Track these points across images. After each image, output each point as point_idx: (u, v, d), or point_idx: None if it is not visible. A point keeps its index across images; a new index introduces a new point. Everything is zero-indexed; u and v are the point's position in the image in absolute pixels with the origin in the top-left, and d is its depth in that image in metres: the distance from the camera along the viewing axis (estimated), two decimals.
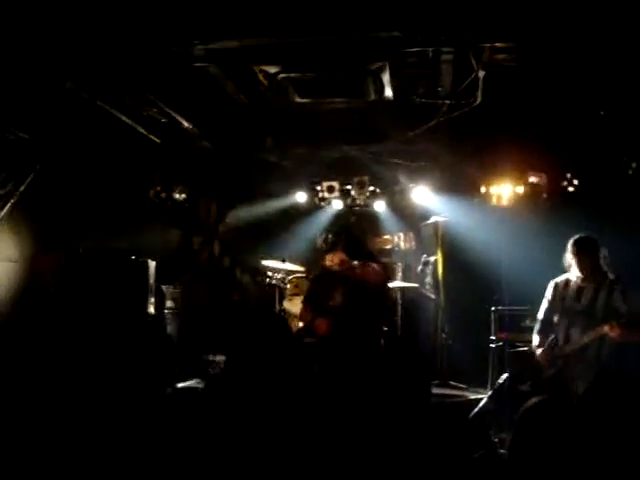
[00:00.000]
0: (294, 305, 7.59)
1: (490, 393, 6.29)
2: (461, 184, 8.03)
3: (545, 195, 7.71)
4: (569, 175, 7.57)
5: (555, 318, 5.45)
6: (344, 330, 5.67)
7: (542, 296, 5.62)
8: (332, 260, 6.29)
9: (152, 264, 7.18)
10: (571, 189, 7.57)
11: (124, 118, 6.61)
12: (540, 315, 5.60)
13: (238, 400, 2.27)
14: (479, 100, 5.88)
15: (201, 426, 2.19)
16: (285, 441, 2.34)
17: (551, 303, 5.52)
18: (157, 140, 7.42)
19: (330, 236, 6.52)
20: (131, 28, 4.77)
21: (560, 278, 5.51)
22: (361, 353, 5.36)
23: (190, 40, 4.89)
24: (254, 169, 8.52)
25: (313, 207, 8.99)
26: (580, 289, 5.34)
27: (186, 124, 7.00)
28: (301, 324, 6.47)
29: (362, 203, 8.60)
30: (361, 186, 8.43)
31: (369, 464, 2.63)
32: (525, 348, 6.05)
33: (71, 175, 6.96)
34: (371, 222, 9.04)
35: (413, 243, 8.94)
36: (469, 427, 5.78)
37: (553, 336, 5.44)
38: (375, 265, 6.12)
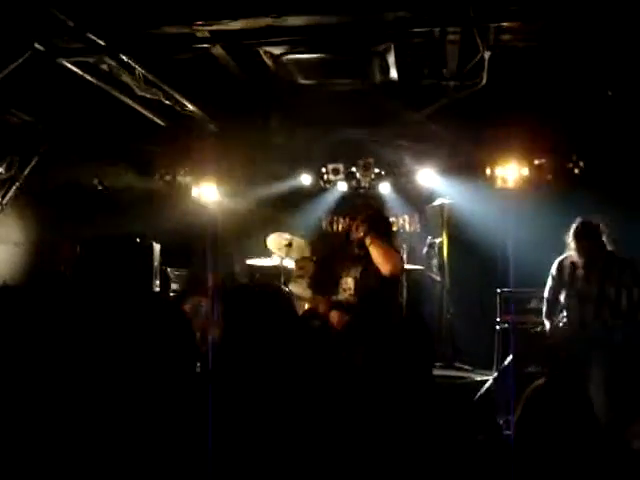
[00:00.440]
0: (299, 287, 7.58)
1: (495, 375, 6.30)
2: (466, 166, 7.99)
3: (550, 177, 7.67)
4: (575, 157, 7.53)
5: (562, 297, 5.42)
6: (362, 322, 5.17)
7: (547, 278, 5.61)
8: (356, 229, 5.46)
9: (157, 247, 7.19)
10: (577, 171, 7.53)
11: (129, 101, 6.58)
12: (546, 294, 5.56)
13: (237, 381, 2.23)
14: (484, 81, 5.85)
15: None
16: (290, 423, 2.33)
17: (557, 281, 5.47)
18: (162, 123, 7.41)
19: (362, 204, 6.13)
20: (134, 9, 4.75)
21: (565, 256, 5.47)
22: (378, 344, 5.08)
23: (193, 21, 4.87)
24: (258, 151, 8.50)
25: (318, 189, 8.96)
26: (588, 273, 5.30)
27: (191, 107, 6.98)
28: (307, 306, 6.45)
29: (367, 185, 8.56)
30: (366, 168, 8.39)
31: (372, 446, 2.62)
32: (532, 329, 6.06)
33: (75, 158, 6.95)
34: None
35: (418, 225, 8.93)
36: (474, 409, 5.79)
37: (564, 317, 5.41)
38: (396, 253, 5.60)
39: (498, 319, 7.04)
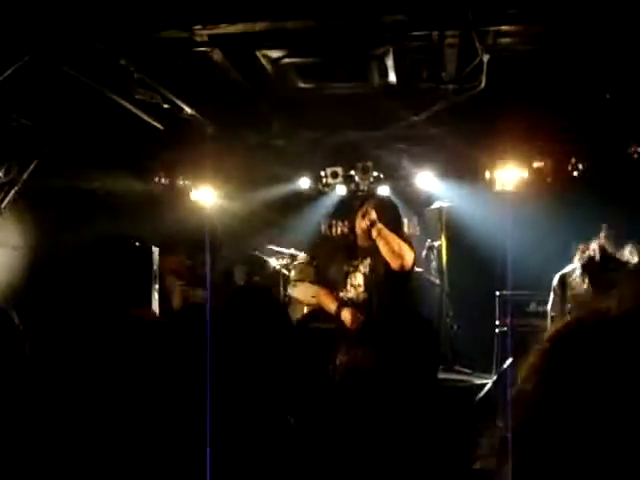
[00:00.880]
0: (299, 291, 7.59)
1: (495, 378, 6.30)
2: (465, 169, 8.01)
3: (550, 180, 7.68)
4: (574, 160, 7.54)
5: (568, 307, 5.33)
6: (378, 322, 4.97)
7: (547, 281, 5.60)
8: (363, 217, 5.11)
9: (156, 250, 7.19)
10: (576, 174, 7.54)
11: (128, 105, 6.59)
12: (551, 311, 5.46)
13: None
14: (483, 84, 5.85)
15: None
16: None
17: (562, 297, 5.37)
18: (160, 127, 7.41)
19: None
20: (132, 12, 4.75)
21: (567, 270, 5.40)
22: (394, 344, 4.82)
23: (191, 25, 4.87)
24: (257, 154, 8.50)
25: (317, 193, 8.97)
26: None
27: (189, 110, 6.98)
28: (306, 310, 6.44)
29: (366, 188, 8.57)
30: (365, 171, 8.40)
31: (377, 447, 2.63)
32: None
33: (74, 162, 6.95)
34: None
35: (417, 228, 8.94)
36: (474, 412, 5.78)
37: None
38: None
39: (497, 322, 7.05)
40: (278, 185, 8.90)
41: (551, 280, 5.58)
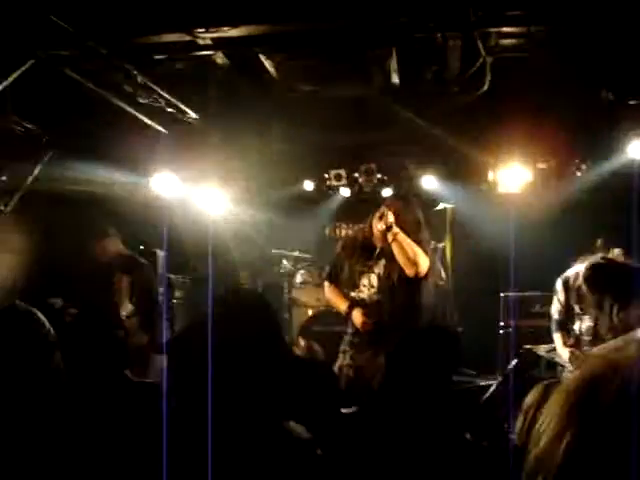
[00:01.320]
0: (303, 294, 7.59)
1: (500, 379, 6.29)
2: (469, 170, 7.99)
3: (554, 181, 7.66)
4: (577, 161, 7.52)
5: (575, 307, 5.21)
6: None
7: (551, 282, 5.54)
8: (380, 218, 4.96)
9: (161, 254, 7.19)
10: (579, 174, 7.52)
11: (131, 109, 6.60)
12: (555, 315, 5.33)
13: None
14: (486, 86, 5.85)
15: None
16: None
17: (565, 301, 5.23)
18: (164, 130, 7.42)
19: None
20: (135, 16, 4.76)
21: (570, 272, 5.32)
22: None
23: (194, 28, 4.88)
24: (260, 157, 8.50)
25: (320, 195, 8.96)
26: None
27: (193, 114, 6.99)
28: (310, 312, 6.44)
29: (370, 191, 8.57)
30: (369, 174, 8.39)
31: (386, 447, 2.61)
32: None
33: (78, 166, 6.96)
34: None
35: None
36: (479, 413, 5.77)
37: (576, 328, 5.17)
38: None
39: (502, 323, 7.03)
40: (281, 188, 8.89)
41: (555, 281, 5.54)
